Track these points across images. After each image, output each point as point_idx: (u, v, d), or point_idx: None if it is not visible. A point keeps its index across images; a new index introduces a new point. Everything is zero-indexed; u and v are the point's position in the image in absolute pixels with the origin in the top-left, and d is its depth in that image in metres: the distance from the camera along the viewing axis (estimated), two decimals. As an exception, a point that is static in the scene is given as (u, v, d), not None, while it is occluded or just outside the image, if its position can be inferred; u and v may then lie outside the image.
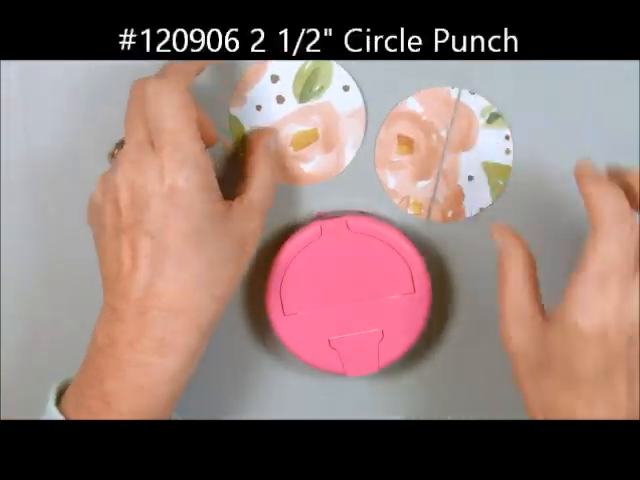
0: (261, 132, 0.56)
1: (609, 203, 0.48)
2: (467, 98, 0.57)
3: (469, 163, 0.57)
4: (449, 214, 0.58)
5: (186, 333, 0.49)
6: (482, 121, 0.57)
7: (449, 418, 0.59)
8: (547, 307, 0.51)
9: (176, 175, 0.48)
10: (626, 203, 0.48)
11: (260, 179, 0.53)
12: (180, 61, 0.51)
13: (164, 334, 0.48)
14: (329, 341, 0.57)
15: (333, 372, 0.57)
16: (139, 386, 0.48)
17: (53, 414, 0.49)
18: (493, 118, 0.57)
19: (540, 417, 0.49)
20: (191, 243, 0.48)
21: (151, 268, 0.48)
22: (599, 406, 0.47)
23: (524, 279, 0.50)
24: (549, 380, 0.48)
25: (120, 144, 0.52)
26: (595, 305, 0.47)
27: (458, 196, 0.58)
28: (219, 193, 0.50)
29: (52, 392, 0.51)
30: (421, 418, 0.59)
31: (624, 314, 0.47)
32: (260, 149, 0.54)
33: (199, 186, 0.49)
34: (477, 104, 0.57)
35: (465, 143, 0.57)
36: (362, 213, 0.57)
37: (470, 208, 0.58)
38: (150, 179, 0.48)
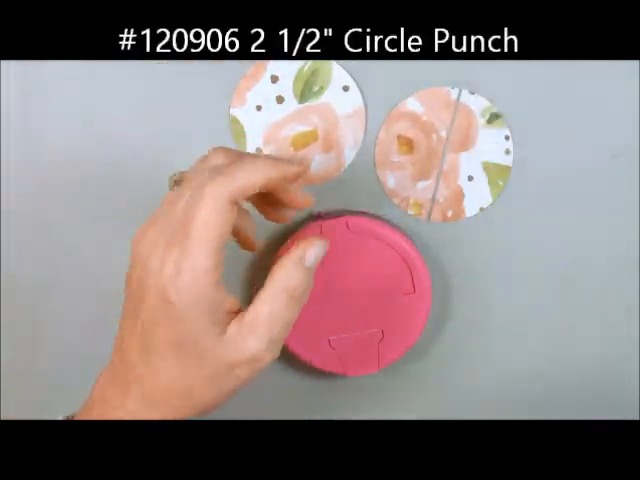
0: (296, 247, 0.47)
1: None
2: (467, 98, 0.57)
3: (469, 163, 0.57)
4: (449, 214, 0.58)
5: (160, 416, 0.48)
6: (482, 121, 0.57)
7: (448, 418, 0.59)
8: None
9: (169, 283, 0.45)
10: None
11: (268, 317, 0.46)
12: (264, 162, 0.46)
13: (139, 408, 0.47)
14: (329, 341, 0.57)
15: (333, 372, 0.57)
16: None
17: None
18: (493, 118, 0.57)
19: None
20: (173, 352, 0.46)
21: (139, 351, 0.47)
22: None
23: None
24: None
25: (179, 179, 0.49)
26: None
27: (458, 196, 0.58)
28: (217, 313, 0.46)
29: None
30: (421, 418, 0.59)
31: None
32: (280, 276, 0.47)
33: (190, 303, 0.45)
34: (477, 104, 0.57)
35: (465, 143, 0.57)
36: (362, 213, 0.57)
37: (470, 208, 0.58)
38: (151, 269, 0.46)
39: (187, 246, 0.45)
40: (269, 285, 0.47)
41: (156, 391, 0.47)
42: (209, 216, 0.45)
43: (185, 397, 0.47)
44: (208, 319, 0.46)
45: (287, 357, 0.58)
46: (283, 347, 0.57)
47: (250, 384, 0.60)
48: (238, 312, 0.47)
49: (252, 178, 0.45)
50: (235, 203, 0.45)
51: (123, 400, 0.48)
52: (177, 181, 0.49)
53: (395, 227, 0.57)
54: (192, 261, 0.45)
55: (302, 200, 0.50)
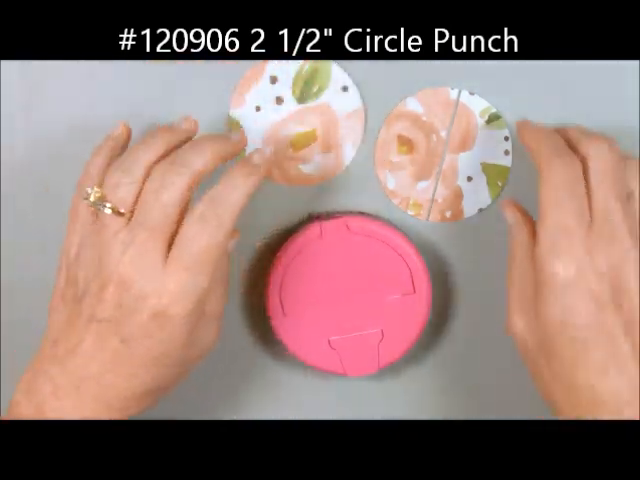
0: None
1: (548, 144, 0.50)
2: (467, 98, 0.57)
3: (468, 164, 0.57)
4: (448, 214, 0.58)
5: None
6: (482, 122, 0.57)
7: (449, 418, 0.59)
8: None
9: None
10: (562, 142, 0.50)
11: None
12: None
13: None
14: (329, 341, 0.57)
15: (333, 372, 0.57)
16: None
17: None
18: (493, 118, 0.57)
19: (562, 399, 0.48)
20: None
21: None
22: (611, 368, 0.47)
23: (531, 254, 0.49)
24: (553, 365, 0.48)
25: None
26: (566, 250, 0.47)
27: (457, 196, 0.58)
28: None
29: None
30: (421, 418, 0.59)
31: (594, 257, 0.47)
32: None
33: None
34: (477, 104, 0.57)
35: (464, 143, 0.57)
36: (362, 214, 0.57)
37: (469, 209, 0.58)
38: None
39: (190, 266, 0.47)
40: None
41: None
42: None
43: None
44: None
45: (287, 357, 0.58)
46: (283, 347, 0.57)
47: (250, 383, 0.60)
48: None
49: (206, 162, 0.48)
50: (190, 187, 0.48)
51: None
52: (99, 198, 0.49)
53: (395, 227, 0.57)
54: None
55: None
